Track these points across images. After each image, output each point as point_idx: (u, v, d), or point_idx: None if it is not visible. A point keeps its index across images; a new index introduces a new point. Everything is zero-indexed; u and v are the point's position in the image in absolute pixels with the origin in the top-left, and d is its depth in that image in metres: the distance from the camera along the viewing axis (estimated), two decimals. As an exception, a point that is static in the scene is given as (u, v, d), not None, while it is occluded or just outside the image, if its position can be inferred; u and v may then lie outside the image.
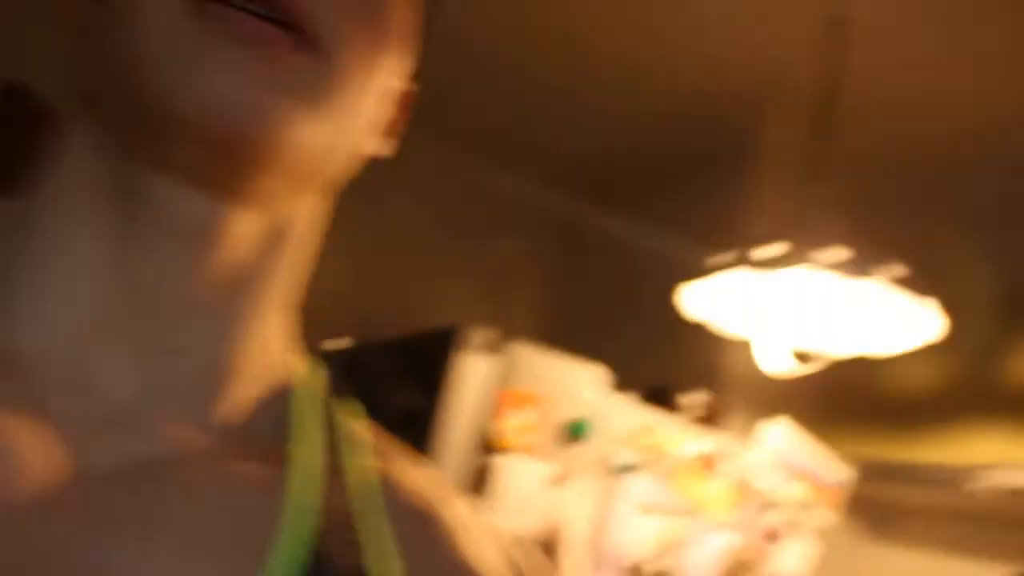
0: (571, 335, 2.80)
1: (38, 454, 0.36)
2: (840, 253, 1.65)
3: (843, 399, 2.44)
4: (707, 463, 1.91)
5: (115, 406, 0.38)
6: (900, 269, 1.66)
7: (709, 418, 2.10)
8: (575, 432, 1.74)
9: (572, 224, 3.16)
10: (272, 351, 0.45)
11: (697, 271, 1.83)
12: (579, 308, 3.01)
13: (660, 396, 2.12)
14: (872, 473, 2.20)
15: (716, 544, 1.85)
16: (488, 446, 1.67)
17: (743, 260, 1.73)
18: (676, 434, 1.89)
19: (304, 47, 0.38)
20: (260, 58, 0.37)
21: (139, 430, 0.38)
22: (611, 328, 2.66)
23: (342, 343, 2.33)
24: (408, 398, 1.84)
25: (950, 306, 1.77)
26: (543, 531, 1.65)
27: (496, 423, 1.68)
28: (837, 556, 2.17)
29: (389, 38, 0.43)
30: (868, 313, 1.76)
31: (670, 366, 2.43)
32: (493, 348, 1.74)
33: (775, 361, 1.93)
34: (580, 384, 1.80)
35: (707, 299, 1.89)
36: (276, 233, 0.42)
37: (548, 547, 1.63)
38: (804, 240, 1.70)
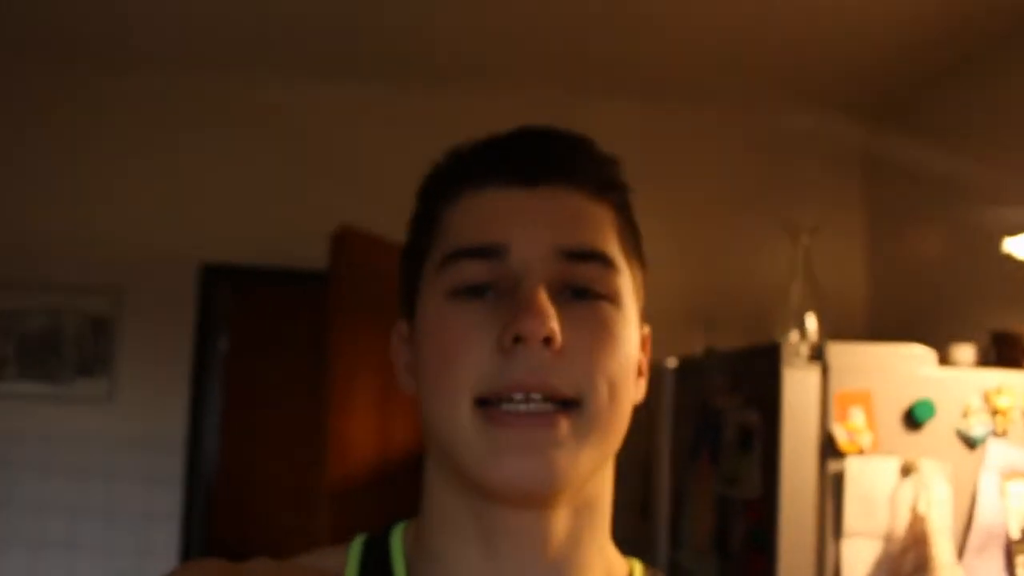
0: (899, 296, 2.71)
1: None
2: None
3: None
4: (1076, 409, 1.82)
5: None
6: None
7: (1069, 358, 1.98)
8: (918, 416, 1.75)
9: (881, 160, 3.03)
10: (610, 569, 0.65)
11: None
12: (904, 263, 2.89)
13: (1007, 342, 2.04)
14: None
15: (1103, 495, 1.76)
16: (831, 451, 1.75)
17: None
18: (1033, 386, 1.82)
19: (567, 409, 0.57)
20: (533, 436, 0.56)
21: None
22: (940, 281, 2.54)
23: (673, 361, 2.50)
24: (742, 414, 1.96)
25: None
26: (907, 524, 1.70)
27: (833, 428, 1.75)
28: None
29: (628, 359, 0.61)
30: None
31: (1012, 310, 2.29)
32: (814, 355, 1.80)
33: None
34: (911, 366, 1.80)
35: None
36: (586, 502, 0.62)
37: (916, 539, 1.67)
38: None
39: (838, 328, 2.23)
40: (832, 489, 1.75)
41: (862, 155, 3.16)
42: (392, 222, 2.45)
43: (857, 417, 1.75)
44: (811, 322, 2.13)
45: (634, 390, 0.64)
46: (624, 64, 2.88)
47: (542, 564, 0.61)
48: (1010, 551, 1.74)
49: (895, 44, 2.64)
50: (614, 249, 0.62)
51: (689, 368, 2.45)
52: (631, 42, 2.70)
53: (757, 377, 1.90)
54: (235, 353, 3.28)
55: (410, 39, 2.86)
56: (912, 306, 2.71)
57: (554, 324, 0.56)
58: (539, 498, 0.58)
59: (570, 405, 0.57)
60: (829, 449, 1.76)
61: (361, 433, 2.31)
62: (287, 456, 3.73)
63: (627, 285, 0.63)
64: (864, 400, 1.76)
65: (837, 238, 2.87)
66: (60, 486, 3.07)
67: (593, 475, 0.61)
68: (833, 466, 1.75)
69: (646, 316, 0.68)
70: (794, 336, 2.13)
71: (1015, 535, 1.74)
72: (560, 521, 0.60)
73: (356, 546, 0.66)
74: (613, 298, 0.61)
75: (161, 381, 3.12)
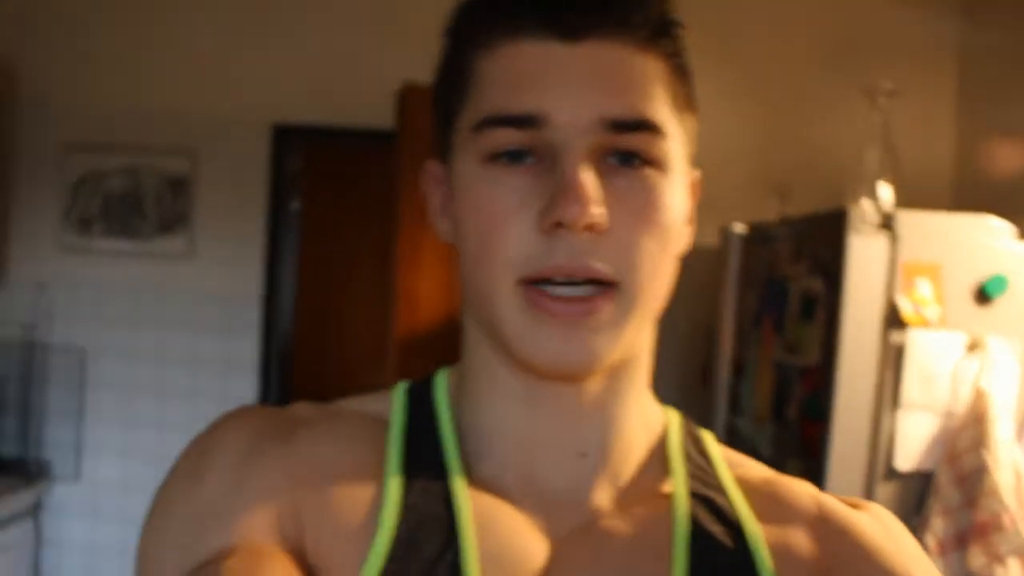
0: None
1: (525, 526, 0.61)
2: None
3: None
4: None
5: (554, 494, 0.63)
6: None
7: None
8: (990, 290, 1.68)
9: (976, 23, 2.80)
10: (647, 418, 0.67)
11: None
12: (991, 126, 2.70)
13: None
14: None
15: None
16: (895, 323, 1.71)
17: None
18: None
19: (606, 293, 0.57)
20: (574, 324, 0.56)
21: (572, 507, 0.63)
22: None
23: (741, 227, 2.43)
24: (807, 281, 1.92)
25: None
26: (968, 401, 1.66)
27: (898, 298, 1.70)
28: None
29: (673, 229, 0.59)
30: None
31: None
32: (884, 224, 1.73)
33: None
34: (986, 238, 1.72)
35: None
36: (625, 361, 0.63)
37: (976, 416, 1.64)
38: None
39: (919, 198, 2.13)
40: (893, 360, 1.71)
41: (958, 16, 2.92)
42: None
43: (924, 288, 1.69)
44: (885, 191, 2.04)
45: (679, 245, 0.62)
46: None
47: (581, 416, 0.63)
48: (1077, 430, 1.69)
49: None
50: (663, 110, 0.58)
51: (757, 234, 2.39)
52: None
53: (823, 243, 1.84)
54: (307, 211, 3.33)
55: None
56: (1000, 178, 2.56)
57: (596, 209, 0.54)
58: (576, 377, 0.60)
59: (610, 286, 0.56)
60: (893, 320, 1.71)
61: (428, 288, 2.34)
62: (360, 311, 3.84)
63: (676, 146, 0.60)
64: (933, 272, 1.69)
65: (924, 103, 2.70)
66: (147, 336, 3.23)
67: (633, 343, 0.61)
68: (896, 337, 1.71)
69: (696, 161, 0.65)
70: (866, 204, 2.04)
71: (1082, 415, 1.69)
72: (596, 384, 0.62)
73: (400, 391, 0.68)
74: (660, 164, 0.58)
75: (238, 238, 3.21)
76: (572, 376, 0.59)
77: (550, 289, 0.56)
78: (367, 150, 3.16)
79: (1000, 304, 1.69)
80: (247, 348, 3.25)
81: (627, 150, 0.56)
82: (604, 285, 0.56)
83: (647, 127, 0.57)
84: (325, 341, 3.84)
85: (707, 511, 0.62)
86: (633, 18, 0.57)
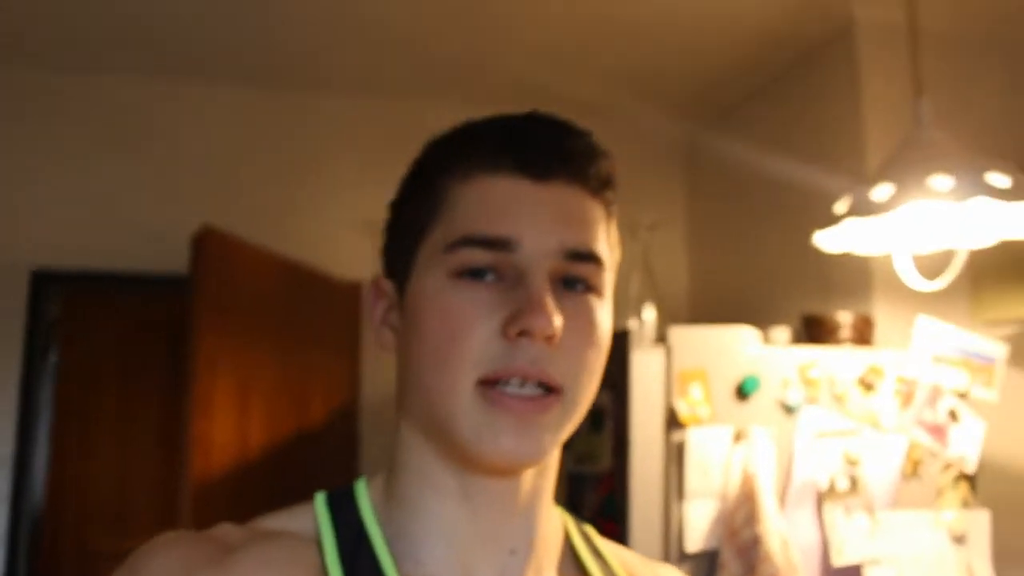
0: (716, 279, 3.00)
1: None
2: (946, 182, 1.77)
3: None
4: (869, 377, 2.13)
5: None
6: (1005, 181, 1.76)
7: (862, 335, 2.30)
8: (746, 389, 2.00)
9: (701, 161, 3.33)
10: (553, 516, 0.76)
11: (823, 215, 2.02)
12: (722, 249, 3.20)
13: (815, 323, 2.34)
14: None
15: (892, 448, 2.07)
16: (674, 424, 1.97)
17: (861, 206, 1.89)
18: (836, 359, 2.11)
19: (554, 396, 0.66)
20: (528, 420, 0.64)
21: None
22: (756, 266, 2.84)
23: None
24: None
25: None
26: (738, 484, 1.94)
27: (675, 402, 1.96)
28: (1002, 428, 2.34)
29: (606, 345, 0.70)
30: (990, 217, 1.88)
31: (818, 295, 2.62)
32: (659, 338, 2.01)
33: (914, 275, 2.09)
34: (740, 345, 2.05)
35: (836, 237, 2.07)
36: (547, 463, 0.71)
37: (746, 496, 1.91)
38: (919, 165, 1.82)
39: (665, 316, 2.47)
40: (676, 457, 1.96)
41: (684, 156, 3.47)
42: (228, 222, 2.46)
43: (696, 391, 1.97)
44: (649, 312, 2.35)
45: (606, 359, 0.72)
46: (469, 66, 3.02)
47: (513, 516, 0.69)
48: (820, 500, 2.01)
49: (715, 65, 2.95)
50: (604, 246, 0.69)
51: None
52: (470, 42, 2.85)
53: (609, 361, 2.08)
54: (67, 365, 3.14)
55: (257, 42, 2.87)
56: (729, 296, 3.01)
57: (558, 323, 0.62)
58: (523, 469, 0.67)
59: (557, 392, 0.65)
60: (672, 422, 1.97)
61: (222, 435, 2.31)
62: (121, 473, 3.58)
63: (609, 276, 0.71)
64: (701, 377, 1.98)
65: (663, 233, 3.15)
66: None
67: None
68: (676, 437, 1.97)
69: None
70: (633, 323, 2.33)
71: (823, 487, 2.01)
72: (527, 480, 0.69)
73: (320, 507, 0.70)
74: (599, 291, 0.68)
75: (-15, 396, 2.94)
76: (519, 469, 0.66)
77: (506, 389, 0.63)
78: (134, 295, 3.07)
79: (755, 399, 2.01)
80: (-8, 519, 2.93)
81: (576, 277, 0.66)
82: (551, 390, 0.64)
83: (594, 259, 0.67)
84: (83, 505, 3.52)
85: None
86: (588, 170, 0.68)
